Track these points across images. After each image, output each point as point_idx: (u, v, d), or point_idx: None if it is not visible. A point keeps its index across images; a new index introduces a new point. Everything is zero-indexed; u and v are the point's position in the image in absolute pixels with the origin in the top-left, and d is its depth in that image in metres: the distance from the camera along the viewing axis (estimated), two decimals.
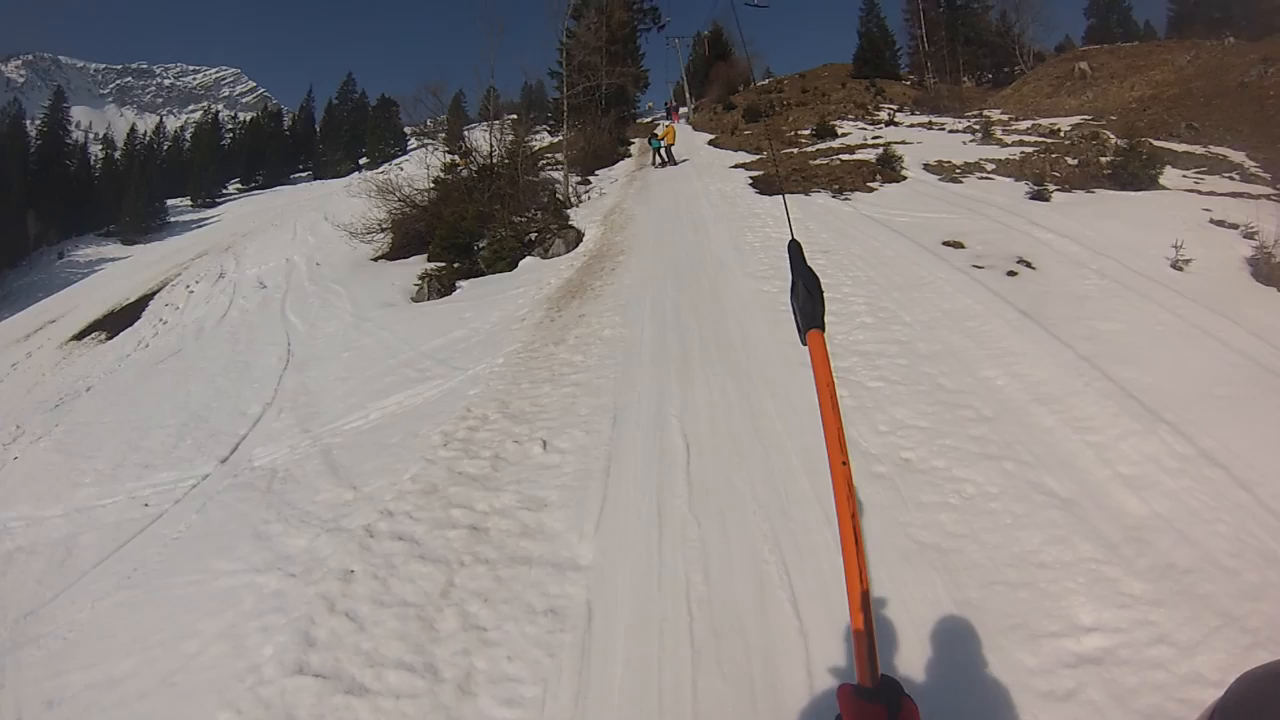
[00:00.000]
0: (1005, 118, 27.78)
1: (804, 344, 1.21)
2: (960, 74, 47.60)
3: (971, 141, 20.55)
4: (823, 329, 1.20)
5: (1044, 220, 10.32)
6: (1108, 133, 19.90)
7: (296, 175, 78.39)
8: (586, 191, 21.00)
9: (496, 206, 16.76)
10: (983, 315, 6.84)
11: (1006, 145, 19.23)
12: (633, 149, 32.11)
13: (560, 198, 18.75)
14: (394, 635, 3.76)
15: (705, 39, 60.28)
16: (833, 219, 11.66)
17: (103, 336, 21.06)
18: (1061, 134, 20.97)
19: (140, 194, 57.24)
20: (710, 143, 29.16)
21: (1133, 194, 12.21)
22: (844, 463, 1.04)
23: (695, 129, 37.81)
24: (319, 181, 66.36)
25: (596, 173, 25.74)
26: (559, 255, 13.36)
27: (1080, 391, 5.24)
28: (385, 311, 12.26)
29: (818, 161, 18.43)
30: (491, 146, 20.68)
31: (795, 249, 1.35)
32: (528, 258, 13.69)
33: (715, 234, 11.75)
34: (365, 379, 8.63)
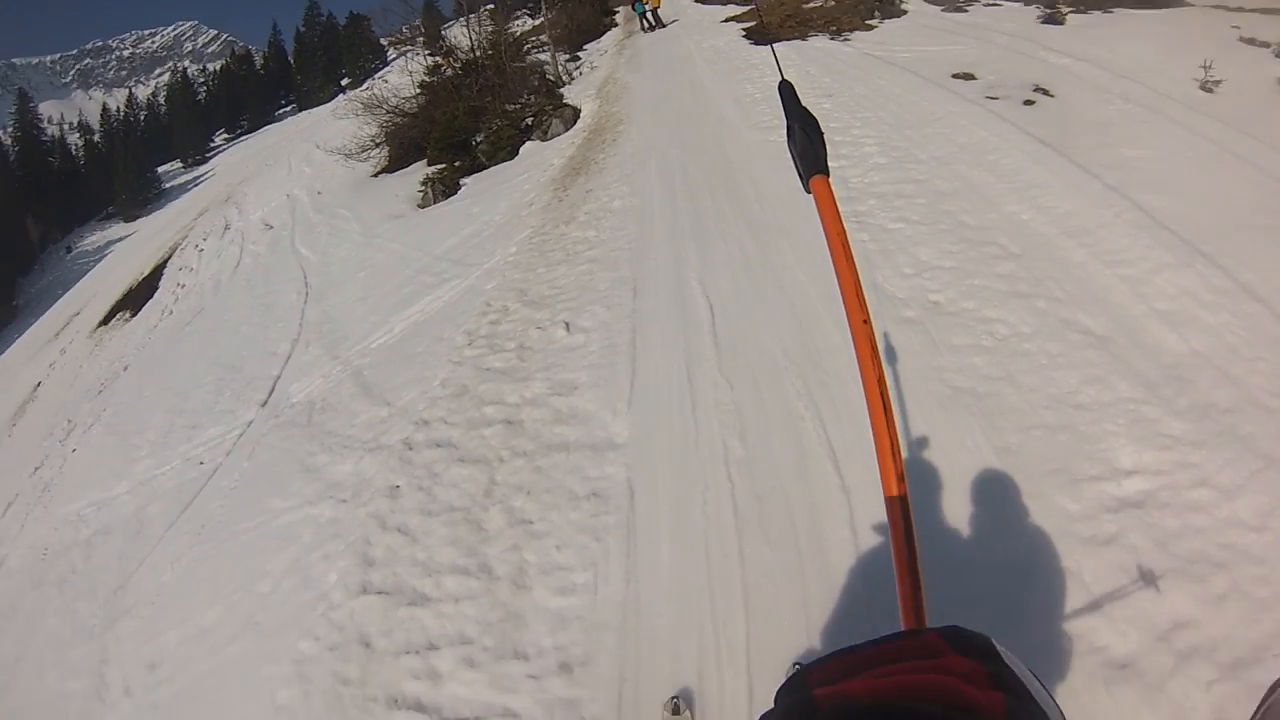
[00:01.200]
0: None
1: (808, 191, 1.07)
2: None
3: None
4: (827, 173, 1.06)
5: (1059, 45, 9.79)
6: None
7: (281, 111, 76.51)
8: (577, 68, 20.09)
9: (488, 98, 16.14)
10: (1001, 148, 6.54)
11: None
12: (618, 18, 30.62)
13: (551, 78, 17.99)
14: (445, 542, 3.82)
15: None
16: (833, 61, 11.15)
17: (128, 315, 20.85)
18: None
19: (129, 169, 56.32)
20: None
21: (1155, 12, 11.40)
22: (865, 321, 0.91)
23: None
24: (305, 112, 64.59)
25: (584, 48, 24.69)
26: (558, 135, 12.87)
27: (1110, 223, 5.03)
28: (393, 224, 12.02)
29: (812, 4, 17.43)
30: (472, 40, 19.78)
31: (787, 89, 1.20)
32: (528, 143, 13.22)
33: (713, 90, 11.30)
34: (384, 294, 8.57)
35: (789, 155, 1.13)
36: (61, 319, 27.87)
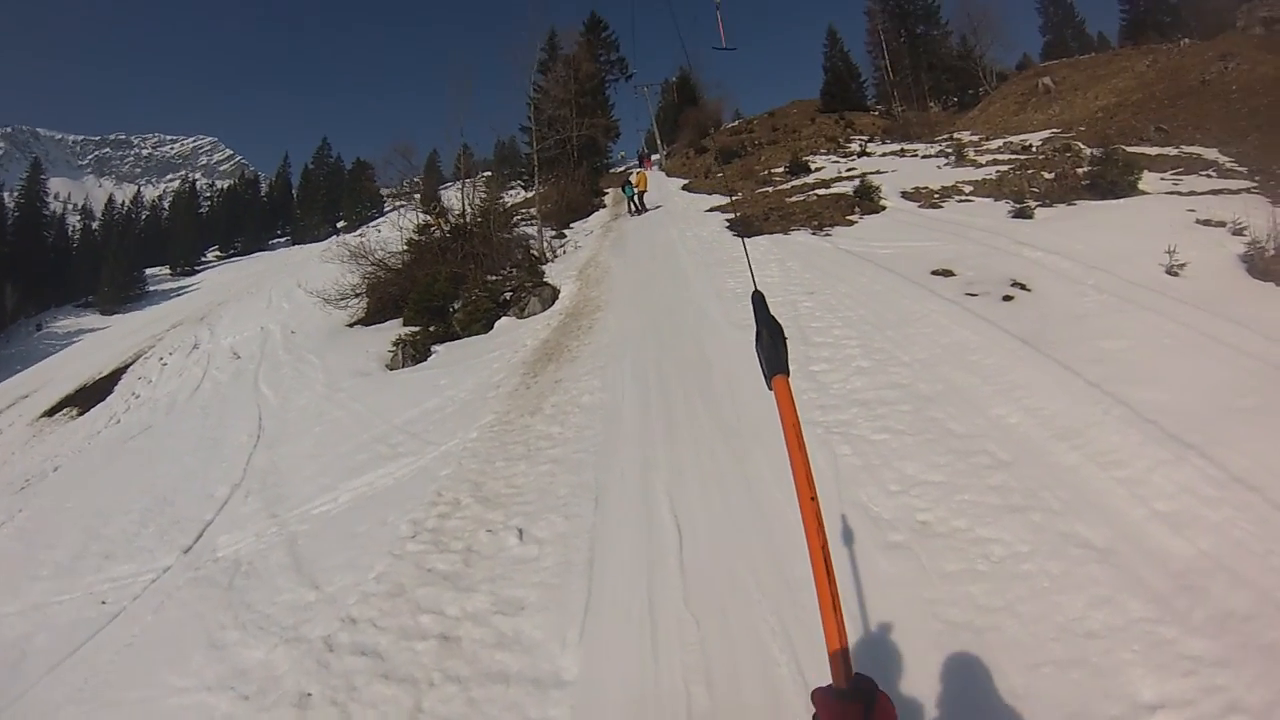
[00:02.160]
0: (975, 138, 28.01)
1: (770, 389, 1.27)
2: (926, 100, 48.35)
3: (945, 165, 20.45)
4: (787, 373, 1.26)
5: (1031, 238, 10.03)
6: (1079, 144, 20.00)
7: (275, 241, 78.82)
8: (562, 245, 20.71)
9: (470, 266, 16.41)
10: (983, 347, 6.43)
11: (981, 166, 19.15)
12: (607, 199, 32.07)
13: (535, 254, 18.42)
14: None
15: (674, 85, 60.93)
16: (815, 257, 11.32)
17: (74, 412, 20.70)
18: (1034, 149, 21.09)
19: (118, 264, 57.74)
20: (684, 188, 29.15)
21: (1114, 202, 12.02)
22: (812, 498, 1.11)
23: (669, 175, 37.88)
24: (297, 246, 66.43)
25: (571, 225, 25.58)
26: (535, 314, 12.95)
27: (1099, 421, 4.83)
28: (359, 381, 11.78)
29: (794, 199, 18.24)
30: (464, 206, 20.40)
31: (759, 300, 1.44)
32: (503, 318, 13.29)
33: (695, 282, 11.37)
34: (336, 456, 8.13)
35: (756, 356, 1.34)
36: (8, 398, 27.62)
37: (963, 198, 14.96)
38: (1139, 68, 28.59)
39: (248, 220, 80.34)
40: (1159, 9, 50.96)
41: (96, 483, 11.04)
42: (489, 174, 29.43)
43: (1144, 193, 12.58)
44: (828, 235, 13.10)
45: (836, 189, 18.30)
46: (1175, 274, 7.75)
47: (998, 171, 17.26)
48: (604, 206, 30.29)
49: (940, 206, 14.34)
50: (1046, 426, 4.88)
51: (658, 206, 24.96)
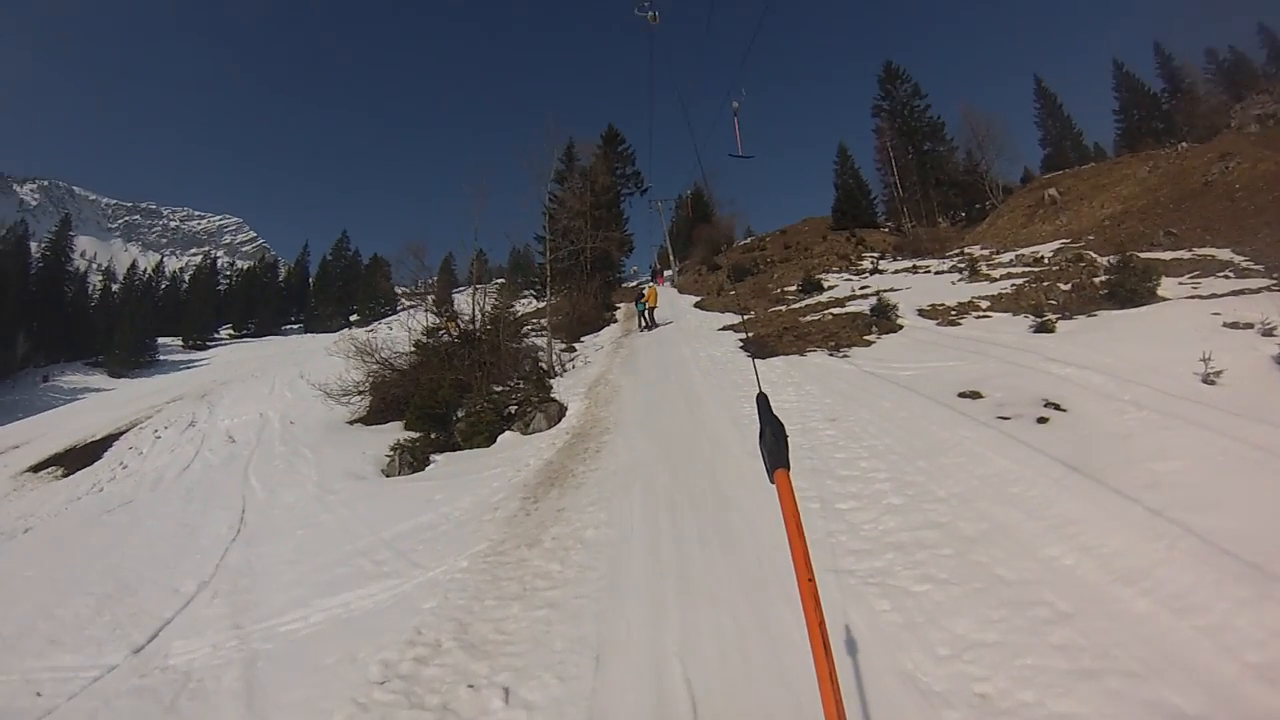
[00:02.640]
0: (986, 252, 28.13)
1: (772, 482, 1.38)
2: (935, 215, 49.06)
3: (960, 281, 20.32)
4: (788, 468, 1.38)
5: (1057, 353, 9.65)
6: (1090, 253, 19.91)
7: (288, 326, 79.53)
8: (571, 360, 20.44)
9: (477, 374, 16.08)
10: (1025, 478, 5.86)
11: (995, 280, 19.01)
12: (619, 314, 32.09)
13: (544, 366, 18.15)
14: None
15: (688, 200, 62.22)
16: (834, 380, 10.92)
17: (60, 472, 20.49)
18: (1046, 261, 20.96)
19: (133, 329, 58.35)
20: (697, 305, 29.25)
21: (1136, 310, 11.81)
22: (810, 580, 1.24)
23: (681, 291, 38.17)
24: (309, 335, 66.78)
25: (582, 339, 25.42)
26: (540, 431, 12.42)
27: (1165, 559, 4.27)
28: (352, 485, 11.19)
29: (809, 318, 18.01)
30: (474, 311, 20.24)
31: (762, 400, 1.54)
32: (507, 432, 12.75)
33: (710, 406, 10.89)
34: (316, 566, 7.49)
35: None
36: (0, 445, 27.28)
37: (980, 314, 14.68)
38: (1140, 174, 29.18)
39: (263, 303, 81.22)
40: (1153, 116, 52.51)
41: (61, 555, 10.46)
42: (502, 281, 29.55)
43: (1164, 298, 12.31)
44: (845, 356, 12.73)
45: (851, 308, 18.10)
46: (1212, 382, 7.38)
47: (1013, 285, 17.09)
48: (615, 321, 30.32)
49: (959, 324, 14.03)
50: (1107, 568, 4.29)
51: (669, 322, 24.99)
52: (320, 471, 12.44)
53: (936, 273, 24.38)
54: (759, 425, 1.42)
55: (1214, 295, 11.92)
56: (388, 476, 11.68)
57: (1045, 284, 16.02)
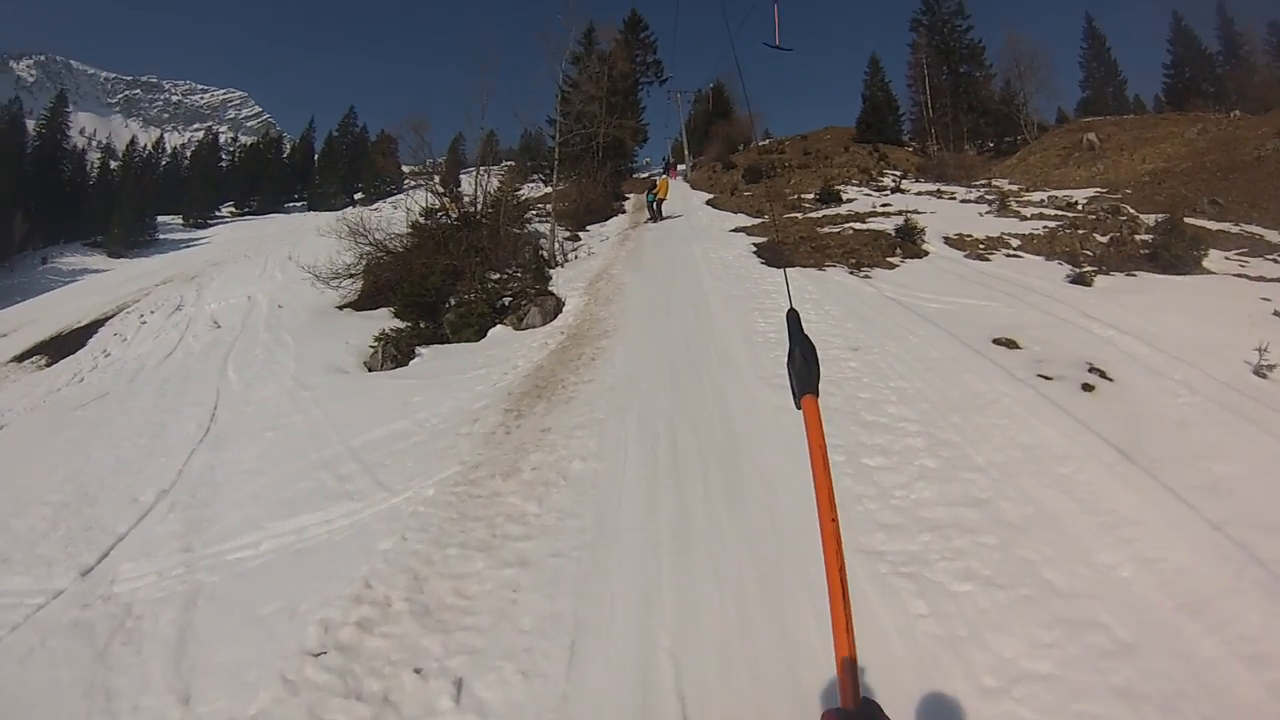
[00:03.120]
0: (1015, 188, 27.06)
1: (799, 408, 1.22)
2: (963, 142, 47.23)
3: (988, 213, 19.32)
4: (817, 394, 1.23)
5: (1097, 311, 8.89)
6: (1128, 207, 19.01)
7: (291, 204, 77.97)
8: (575, 249, 19.26)
9: (475, 260, 15.13)
10: (1073, 455, 5.14)
11: (1026, 218, 18.06)
12: (628, 204, 30.82)
13: (545, 255, 17.11)
14: None
15: (709, 93, 59.64)
16: (855, 302, 10.08)
17: (43, 362, 19.66)
18: (1080, 208, 19.98)
19: (131, 208, 57.17)
20: (709, 203, 28.01)
21: (1178, 279, 11.08)
22: (833, 520, 1.10)
23: (694, 187, 36.71)
24: (313, 213, 65.20)
25: (588, 228, 24.32)
26: (534, 327, 11.57)
27: (1232, 588, 3.64)
28: (330, 379, 10.48)
29: (827, 230, 17.03)
30: (476, 192, 19.09)
31: (794, 318, 1.38)
32: (499, 326, 11.91)
33: (719, 317, 9.95)
34: (278, 478, 6.84)
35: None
36: None
37: (1010, 252, 13.83)
38: (1188, 134, 27.90)
39: (267, 180, 79.23)
40: (1205, 77, 50.20)
41: (30, 456, 9.79)
42: (511, 164, 28.15)
43: (1209, 271, 11.59)
44: (867, 277, 11.87)
45: (874, 225, 17.06)
46: (1264, 375, 6.74)
47: (1045, 227, 16.15)
48: (624, 212, 28.98)
49: (987, 259, 13.17)
50: (1169, 590, 3.63)
51: (677, 215, 24.12)
52: (299, 363, 11.72)
53: (963, 201, 23.26)
54: (789, 345, 1.28)
55: (1262, 278, 11.27)
56: (370, 370, 11.01)
57: (1080, 232, 15.14)
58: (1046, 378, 6.71)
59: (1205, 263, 11.81)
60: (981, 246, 14.31)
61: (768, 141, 55.62)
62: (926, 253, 13.64)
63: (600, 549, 4.55)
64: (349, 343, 12.22)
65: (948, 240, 14.81)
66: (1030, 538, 4.16)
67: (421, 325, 12.44)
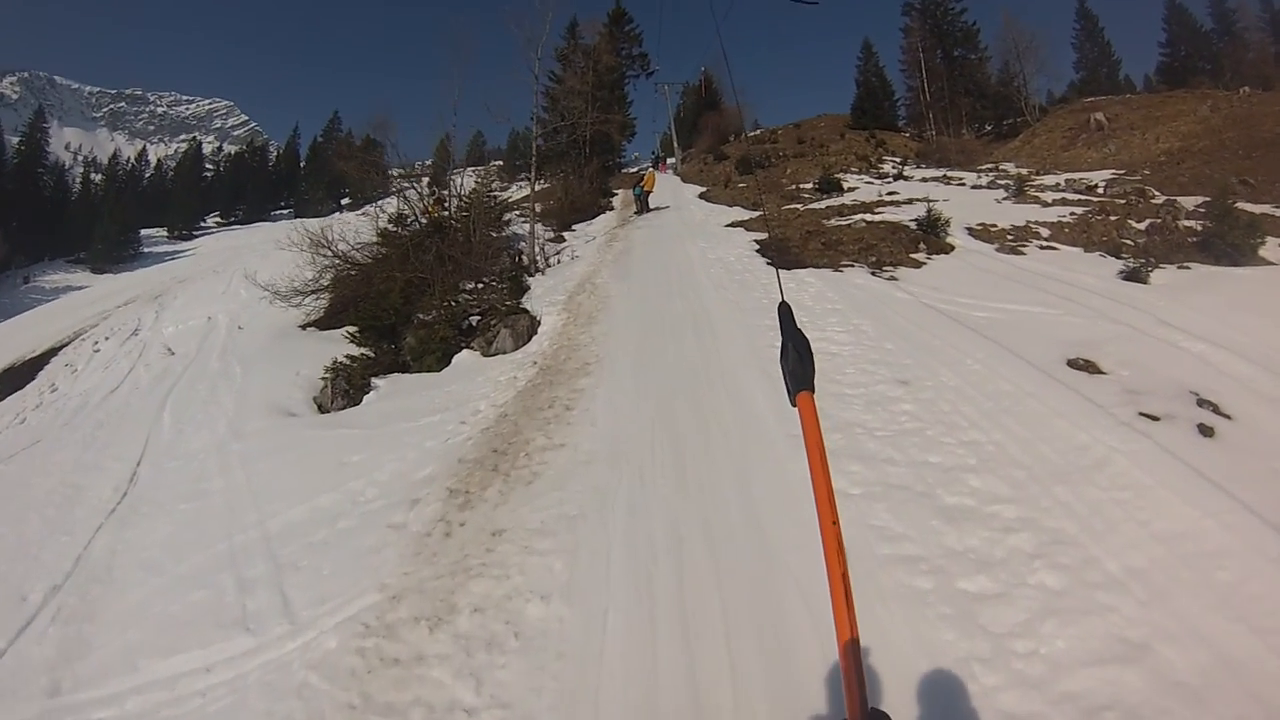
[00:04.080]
0: (1025, 172, 25.56)
1: (794, 405, 1.21)
2: (962, 126, 45.76)
3: (1005, 199, 17.77)
4: (812, 390, 1.20)
5: (1172, 316, 7.43)
6: (1152, 190, 17.44)
7: (277, 212, 76.66)
8: (558, 252, 17.34)
9: (447, 269, 13.49)
10: (1231, 549, 3.62)
11: (1047, 204, 16.52)
12: (615, 201, 29.21)
13: (525, 260, 15.45)
14: None
15: (700, 83, 58.14)
16: (888, 312, 8.49)
17: None
18: (1101, 191, 18.50)
19: (114, 222, 56.31)
20: (701, 196, 26.49)
21: (1238, 271, 9.63)
22: (834, 522, 1.08)
23: (685, 180, 35.18)
24: (299, 220, 63.67)
25: (573, 228, 22.65)
26: (503, 352, 9.85)
27: None
28: (267, 426, 8.89)
29: (834, 222, 15.50)
30: (450, 194, 17.47)
31: (785, 311, 1.34)
32: (465, 350, 10.23)
33: (727, 340, 8.10)
34: (175, 578, 5.32)
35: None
36: None
37: (1043, 243, 12.36)
38: (1200, 112, 26.52)
39: (252, 188, 77.83)
40: (1201, 55, 48.75)
41: None
42: (499, 163, 26.52)
43: (1268, 262, 10.02)
44: (893, 279, 10.35)
45: (886, 215, 15.53)
46: None
47: (1072, 214, 14.65)
48: (612, 209, 27.28)
49: (1021, 252, 11.70)
50: None
51: (666, 207, 23.24)
52: (240, 402, 10.12)
53: (974, 187, 21.72)
54: (781, 340, 1.22)
55: None
56: (320, 410, 9.47)
57: (1112, 218, 13.65)
58: (1152, 417, 5.19)
59: (1262, 251, 10.30)
60: (1010, 237, 12.83)
61: (759, 131, 54.15)
62: (952, 247, 12.14)
63: None
64: (299, 374, 10.66)
65: (971, 231, 13.31)
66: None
67: (383, 348, 10.86)
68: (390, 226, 16.99)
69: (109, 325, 22.27)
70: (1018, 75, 47.34)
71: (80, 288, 44.37)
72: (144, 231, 60.42)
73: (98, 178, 78.49)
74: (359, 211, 29.53)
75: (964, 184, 22.76)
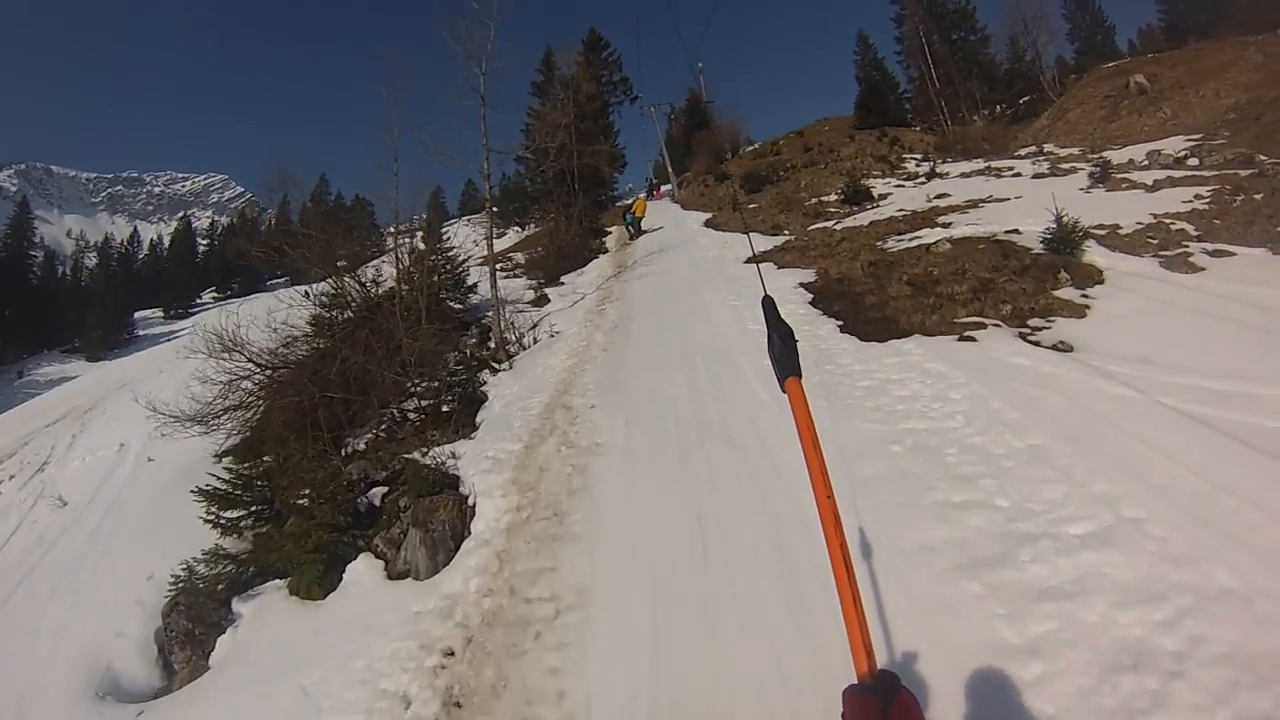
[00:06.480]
0: (1077, 150, 21.93)
1: (784, 391, 1.24)
2: (975, 111, 42.17)
3: (1096, 188, 13.94)
4: (800, 376, 1.24)
5: None
6: (1261, 156, 14.13)
7: (273, 281, 74.34)
8: (534, 326, 12.88)
9: (382, 373, 9.59)
10: None
11: (1150, 188, 12.77)
12: (609, 241, 25.34)
13: (488, 349, 11.51)
14: None
15: (687, 104, 55.07)
16: (1129, 446, 4.39)
17: None
18: (1196, 164, 14.91)
19: (105, 307, 54.63)
20: (707, 224, 22.62)
21: None
22: (829, 496, 1.12)
23: (685, 207, 31.27)
24: (295, 288, 61.07)
25: (562, 280, 18.65)
26: (413, 576, 5.57)
27: None
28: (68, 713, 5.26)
29: (895, 245, 11.61)
30: (400, 268, 13.71)
31: (769, 304, 1.38)
32: (360, 560, 5.92)
33: (782, 502, 4.38)
34: None
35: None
36: None
37: (1205, 246, 8.58)
38: (1252, 59, 23.33)
39: (245, 261, 76.28)
40: (1197, 7, 45.01)
41: None
42: (487, 213, 23.07)
43: None
44: (1062, 346, 6.40)
45: (965, 229, 11.56)
46: None
47: (1197, 196, 11.08)
48: (605, 251, 23.15)
49: (1196, 266, 7.93)
50: None
51: (659, 228, 23.05)
52: (52, 647, 6.44)
53: (1035, 176, 17.70)
54: (766, 331, 1.27)
55: None
56: (158, 665, 5.72)
57: (1257, 196, 10.27)
58: None
59: None
60: (1154, 242, 9.10)
61: (756, 145, 50.81)
62: (1101, 272, 8.29)
63: None
64: (153, 577, 6.95)
65: (1098, 240, 9.52)
66: None
67: (261, 530, 6.99)
68: (323, 310, 13.15)
69: (23, 455, 18.48)
70: (1029, 48, 43.92)
71: (74, 377, 41.81)
72: (139, 314, 59.31)
73: (91, 262, 77.41)
74: (351, 275, 25.96)
75: (1018, 174, 18.91)
